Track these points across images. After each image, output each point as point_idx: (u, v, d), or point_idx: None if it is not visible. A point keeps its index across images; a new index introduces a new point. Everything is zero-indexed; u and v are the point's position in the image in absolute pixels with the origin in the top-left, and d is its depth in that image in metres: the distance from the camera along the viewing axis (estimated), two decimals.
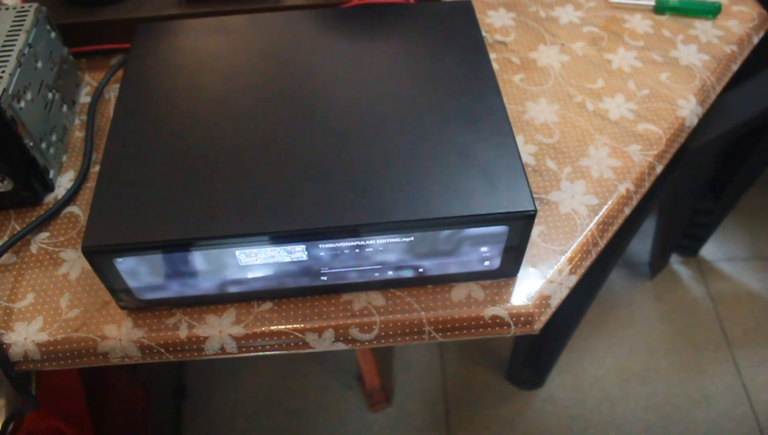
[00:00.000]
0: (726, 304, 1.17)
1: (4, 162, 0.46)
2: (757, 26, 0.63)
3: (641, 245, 1.23)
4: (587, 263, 0.47)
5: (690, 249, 1.22)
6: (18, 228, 0.48)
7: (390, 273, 0.42)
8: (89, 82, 0.59)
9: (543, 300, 0.44)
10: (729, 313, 1.16)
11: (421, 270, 0.42)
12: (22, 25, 0.49)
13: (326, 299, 0.44)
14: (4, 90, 0.44)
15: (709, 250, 1.24)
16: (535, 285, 0.44)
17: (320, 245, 0.39)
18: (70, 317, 0.44)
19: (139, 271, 0.40)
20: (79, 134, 0.55)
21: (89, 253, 0.38)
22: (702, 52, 0.60)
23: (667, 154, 0.53)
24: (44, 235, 0.48)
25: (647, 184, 0.52)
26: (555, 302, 0.45)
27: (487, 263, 0.43)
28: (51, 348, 0.43)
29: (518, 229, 0.40)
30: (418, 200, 0.38)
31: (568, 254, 0.46)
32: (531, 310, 0.44)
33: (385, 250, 0.40)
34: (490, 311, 0.43)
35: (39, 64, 0.50)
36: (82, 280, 0.45)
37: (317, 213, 0.38)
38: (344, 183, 0.39)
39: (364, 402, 1.09)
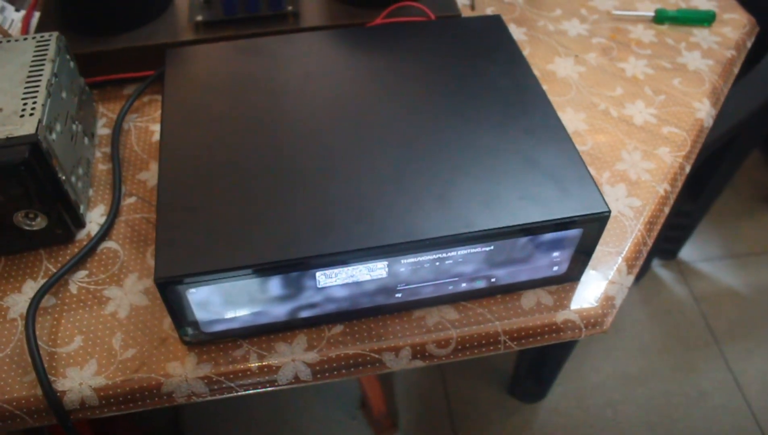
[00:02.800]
0: (708, 303, 1.22)
1: (38, 198, 0.43)
2: (749, 32, 0.67)
3: None
4: (640, 263, 0.48)
5: (669, 251, 1.26)
6: (52, 268, 0.45)
7: (463, 285, 0.42)
8: (104, 113, 0.56)
9: (608, 301, 0.45)
10: (712, 311, 1.21)
11: (493, 280, 0.42)
12: (45, 54, 0.47)
13: (398, 317, 0.43)
14: (39, 121, 0.42)
15: (686, 252, 1.29)
16: (599, 287, 0.45)
17: (402, 261, 0.38)
18: (126, 358, 0.41)
19: (211, 302, 0.38)
20: (101, 167, 0.52)
21: (163, 284, 0.35)
22: (706, 58, 0.63)
23: (692, 154, 0.56)
24: (83, 273, 0.45)
25: (680, 184, 0.54)
26: (618, 302, 0.45)
27: (555, 268, 0.43)
28: (110, 392, 0.40)
29: (591, 232, 0.40)
30: (498, 209, 0.38)
31: (624, 254, 0.47)
32: (599, 311, 0.44)
33: (464, 262, 0.39)
34: (561, 316, 0.43)
35: (64, 95, 0.47)
36: (133, 318, 0.43)
37: (401, 228, 0.37)
38: (421, 196, 0.39)
39: (370, 430, 1.07)
